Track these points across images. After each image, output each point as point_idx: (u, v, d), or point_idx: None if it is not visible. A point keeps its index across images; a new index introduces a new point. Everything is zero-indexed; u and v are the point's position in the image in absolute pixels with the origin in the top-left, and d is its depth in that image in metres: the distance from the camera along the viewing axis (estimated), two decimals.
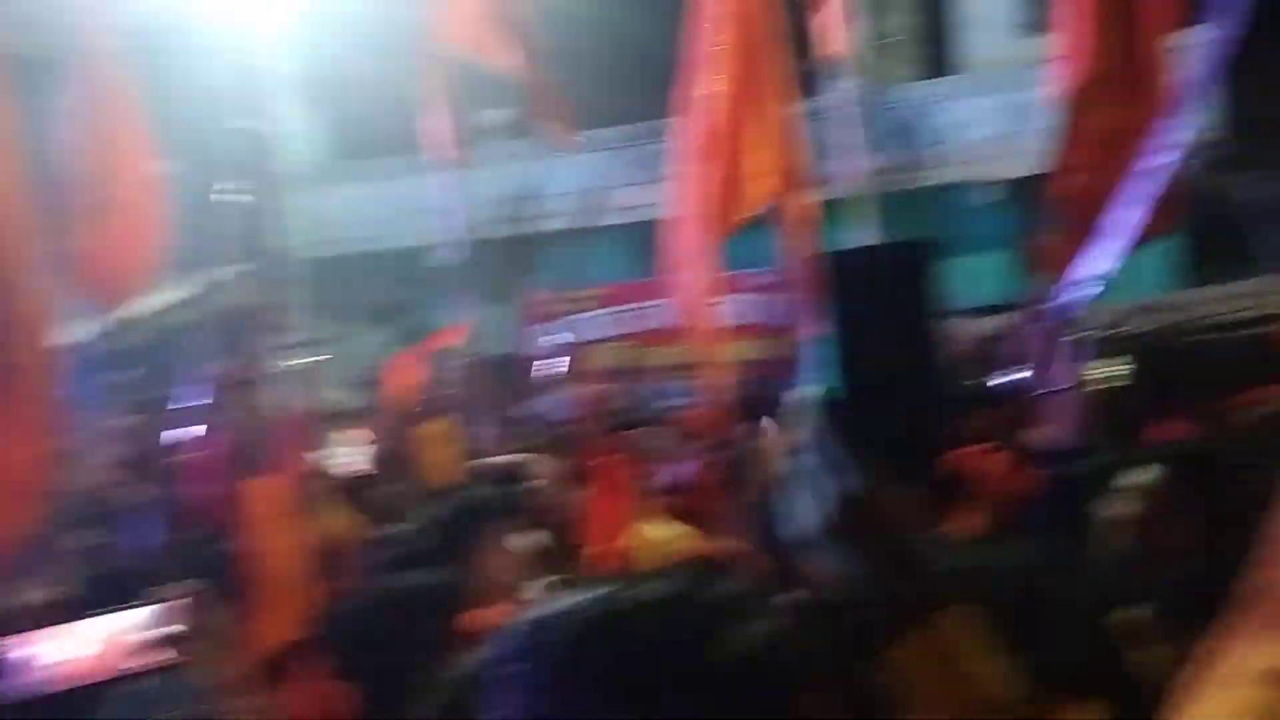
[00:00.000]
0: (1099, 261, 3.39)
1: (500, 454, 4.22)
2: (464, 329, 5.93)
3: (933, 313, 3.29)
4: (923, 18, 12.29)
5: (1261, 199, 9.33)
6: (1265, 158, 9.05)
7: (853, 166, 4.79)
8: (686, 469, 3.74)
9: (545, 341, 7.57)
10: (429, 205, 5.81)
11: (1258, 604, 0.68)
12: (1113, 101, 3.56)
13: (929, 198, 9.62)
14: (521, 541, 2.52)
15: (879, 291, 3.05)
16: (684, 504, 3.45)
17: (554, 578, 2.47)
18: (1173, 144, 3.37)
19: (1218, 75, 3.44)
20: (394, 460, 4.74)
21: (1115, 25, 3.56)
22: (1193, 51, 3.56)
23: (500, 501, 2.72)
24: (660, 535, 3.27)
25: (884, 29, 11.09)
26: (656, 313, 7.47)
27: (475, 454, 4.40)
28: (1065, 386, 3.41)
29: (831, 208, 4.42)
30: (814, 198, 4.01)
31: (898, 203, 5.99)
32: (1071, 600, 1.30)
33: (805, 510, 1.07)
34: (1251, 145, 8.78)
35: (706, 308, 4.30)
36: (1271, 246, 8.69)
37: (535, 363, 7.22)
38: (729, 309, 5.44)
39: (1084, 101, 3.60)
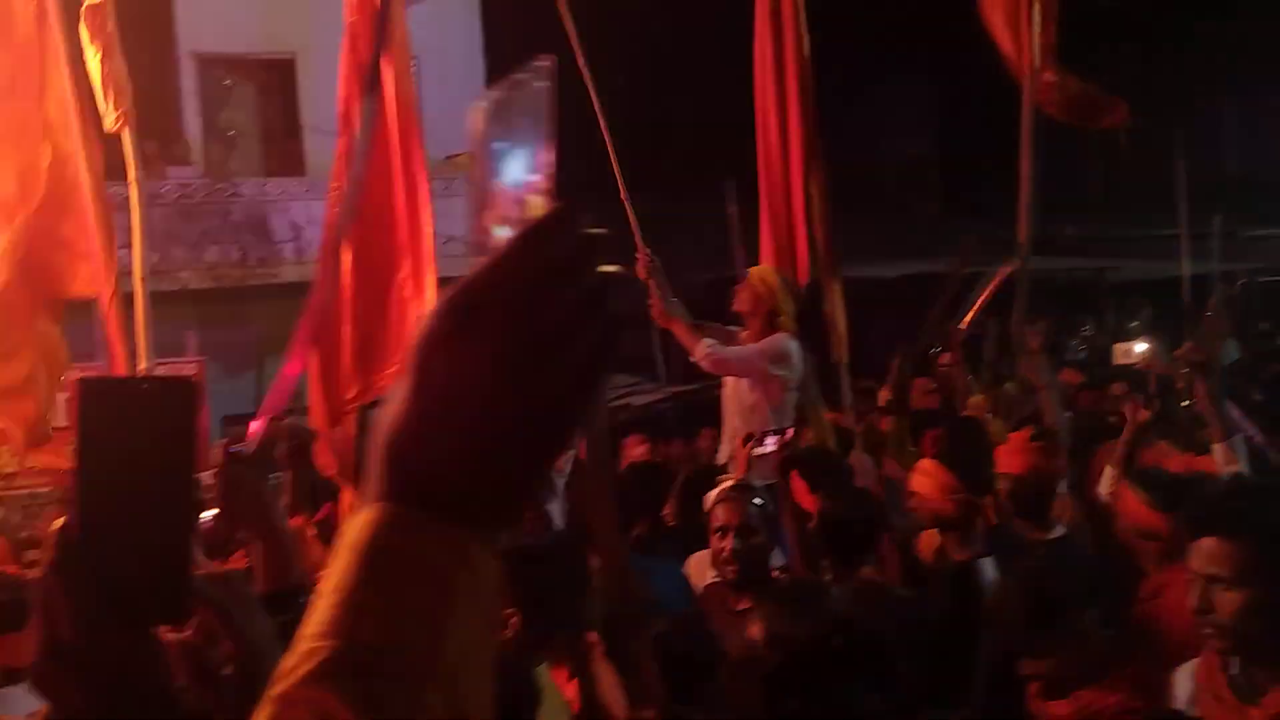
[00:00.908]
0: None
1: None
2: None
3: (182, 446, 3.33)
4: (272, 115, 12.48)
5: None
6: None
7: (190, 258, 4.67)
8: None
9: None
10: None
11: None
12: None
13: (274, 294, 9.67)
14: None
15: (123, 424, 3.00)
16: None
17: None
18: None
19: None
20: None
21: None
22: None
23: None
24: None
25: (229, 121, 11.03)
26: None
27: None
28: None
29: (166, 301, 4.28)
30: (139, 285, 3.84)
31: (236, 297, 5.96)
32: None
33: None
34: None
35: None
36: None
37: None
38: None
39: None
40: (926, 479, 3.45)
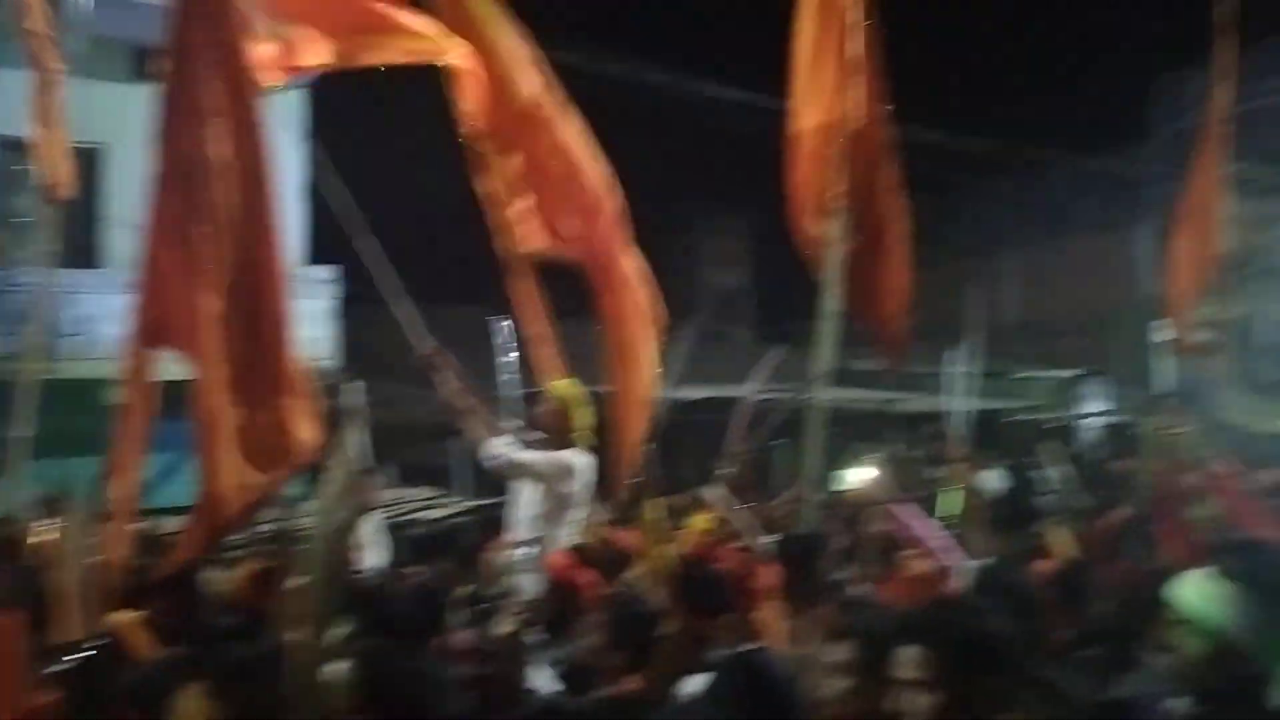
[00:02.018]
0: None
1: None
2: None
3: None
4: (67, 205, 11.92)
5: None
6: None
7: None
8: None
9: None
10: None
11: None
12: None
13: (60, 390, 9.08)
14: None
15: None
16: None
17: None
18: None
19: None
20: None
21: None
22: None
23: None
24: None
25: (14, 208, 10.50)
26: None
27: None
28: None
29: None
30: None
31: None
32: None
33: None
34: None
35: None
36: None
37: None
38: None
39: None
40: None
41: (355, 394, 3.77)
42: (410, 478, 9.09)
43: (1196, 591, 2.37)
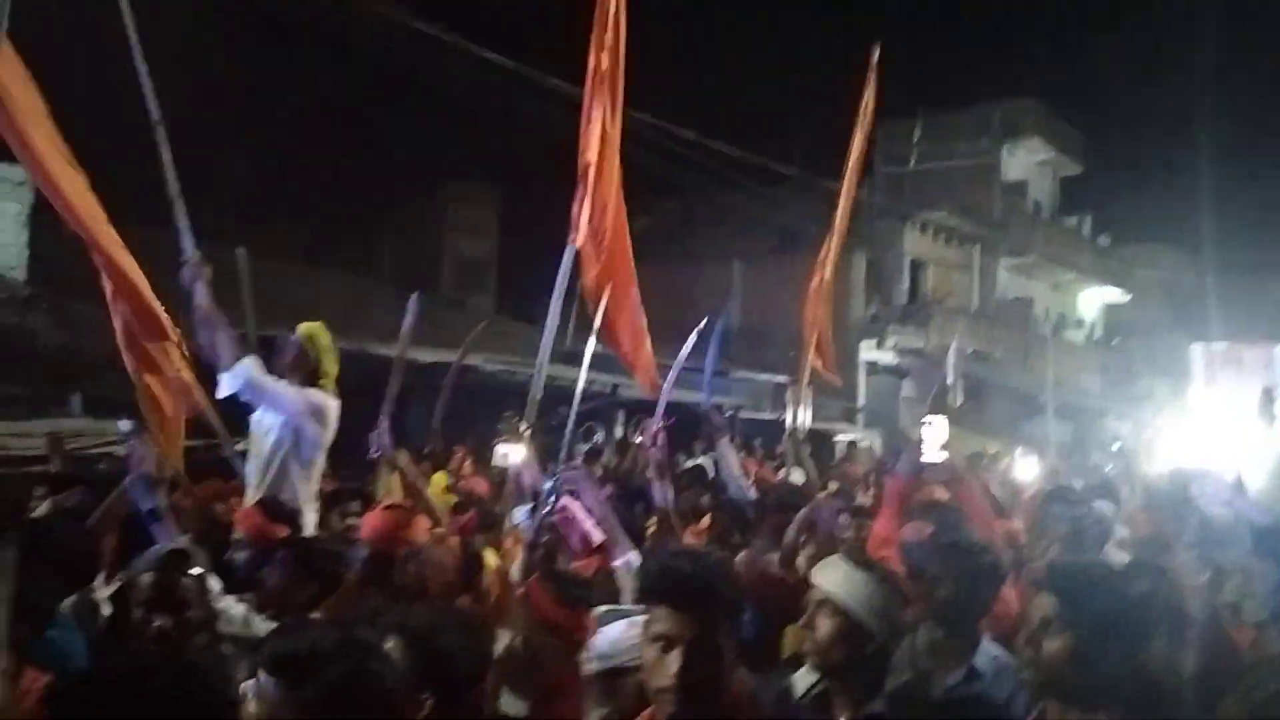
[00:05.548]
0: None
1: None
2: None
3: None
4: None
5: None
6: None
7: None
8: None
9: None
10: None
11: None
12: None
13: None
14: None
15: None
16: None
17: None
18: None
19: None
20: None
21: None
22: None
23: None
24: None
25: None
26: None
27: None
28: None
29: None
30: None
31: None
32: None
33: None
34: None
35: None
36: None
37: None
38: None
39: None
40: None
41: None
42: (102, 411, 8.26)
43: (838, 575, 2.58)
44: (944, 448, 6.03)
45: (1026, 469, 8.58)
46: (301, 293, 12.09)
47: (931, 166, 29.35)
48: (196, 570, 3.14)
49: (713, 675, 2.07)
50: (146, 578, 3.06)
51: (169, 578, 3.05)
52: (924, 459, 4.62)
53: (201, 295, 4.71)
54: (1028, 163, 31.77)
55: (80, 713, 1.74)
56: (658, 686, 2.08)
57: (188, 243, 4.79)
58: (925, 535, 3.90)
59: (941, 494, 5.09)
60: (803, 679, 2.77)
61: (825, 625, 2.52)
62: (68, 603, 3.18)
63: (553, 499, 4.03)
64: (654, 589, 2.16)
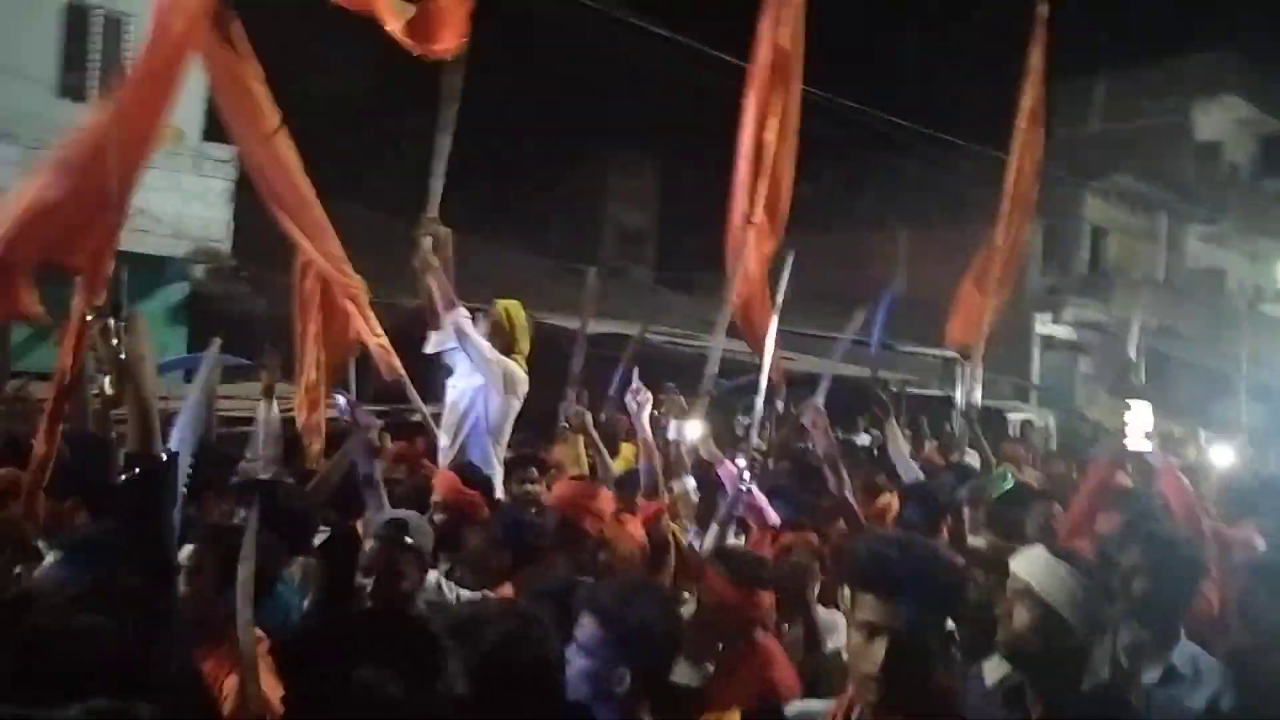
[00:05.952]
0: None
1: None
2: None
3: None
4: None
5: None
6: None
7: None
8: None
9: None
10: None
11: None
12: None
13: None
14: None
15: None
16: None
17: None
18: None
19: None
20: None
21: None
22: None
23: None
24: None
25: None
26: None
27: None
28: None
29: None
30: None
31: None
32: None
33: None
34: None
35: None
36: None
37: None
38: None
39: None
40: None
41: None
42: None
43: (1038, 564, 2.52)
44: (1148, 436, 5.68)
45: (1221, 455, 8.01)
46: (475, 265, 12.51)
47: (1114, 127, 27.67)
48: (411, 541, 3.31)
49: (918, 666, 2.06)
50: (370, 545, 3.28)
51: (391, 547, 3.24)
52: (1126, 447, 4.43)
53: (427, 249, 4.86)
54: (1223, 121, 29.46)
55: (316, 665, 1.79)
56: (861, 674, 2.10)
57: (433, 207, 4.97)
58: (1117, 525, 3.77)
59: (1127, 482, 4.87)
60: (993, 669, 2.74)
61: (1023, 616, 2.48)
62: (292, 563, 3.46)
63: (747, 477, 4.12)
64: (860, 575, 2.15)
